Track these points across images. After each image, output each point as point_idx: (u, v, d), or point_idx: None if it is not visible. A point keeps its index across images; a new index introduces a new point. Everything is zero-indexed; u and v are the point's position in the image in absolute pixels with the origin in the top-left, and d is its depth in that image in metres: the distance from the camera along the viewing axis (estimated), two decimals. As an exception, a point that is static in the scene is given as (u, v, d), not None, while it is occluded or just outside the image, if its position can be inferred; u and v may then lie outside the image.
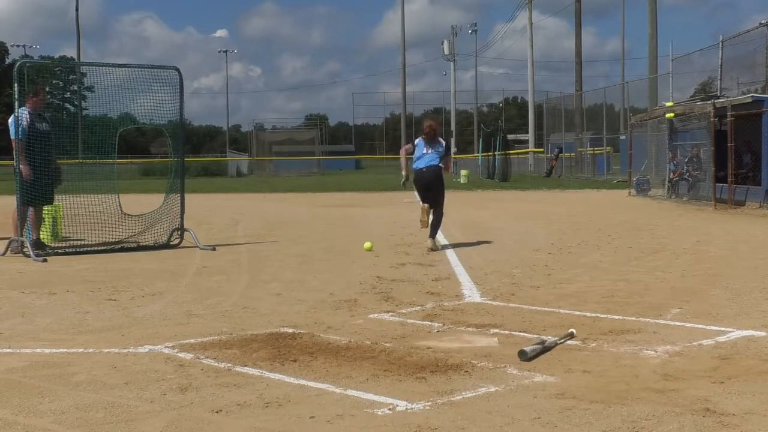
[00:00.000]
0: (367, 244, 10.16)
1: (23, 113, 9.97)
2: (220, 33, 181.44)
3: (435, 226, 10.69)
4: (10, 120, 10.05)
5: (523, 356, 4.72)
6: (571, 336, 5.25)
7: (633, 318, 5.96)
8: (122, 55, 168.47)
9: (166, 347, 5.13)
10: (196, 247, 10.68)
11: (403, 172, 11.22)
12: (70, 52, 64.98)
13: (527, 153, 51.91)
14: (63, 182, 10.65)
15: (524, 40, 54.73)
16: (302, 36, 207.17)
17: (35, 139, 10.02)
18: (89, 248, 10.44)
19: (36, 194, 10.12)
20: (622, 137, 34.27)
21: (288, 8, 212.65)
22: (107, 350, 5.08)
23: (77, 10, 62.46)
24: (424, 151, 10.57)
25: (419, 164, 10.58)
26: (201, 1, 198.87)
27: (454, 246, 10.88)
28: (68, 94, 74.22)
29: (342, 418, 3.72)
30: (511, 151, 42.58)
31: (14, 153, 10.00)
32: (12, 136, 9.96)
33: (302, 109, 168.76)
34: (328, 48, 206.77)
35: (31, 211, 10.18)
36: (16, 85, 9.99)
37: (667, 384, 4.22)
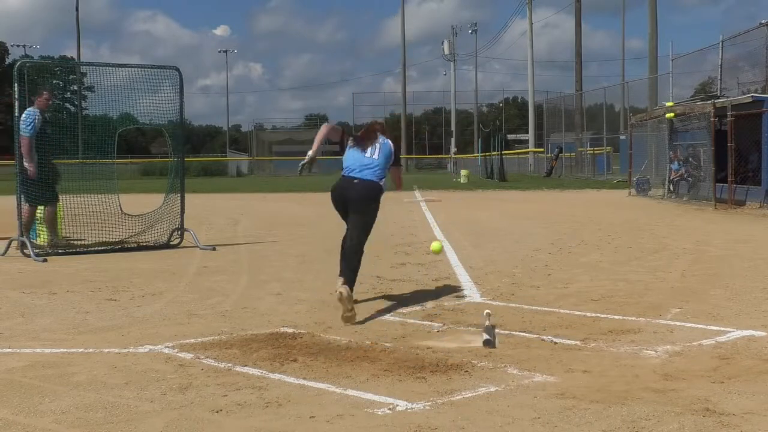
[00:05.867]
0: (436, 246, 7.13)
1: (35, 113, 10.08)
2: (228, 32, 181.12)
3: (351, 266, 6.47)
4: (23, 115, 10.06)
5: (490, 344, 5.03)
6: (489, 315, 5.38)
7: (633, 318, 5.95)
8: (131, 53, 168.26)
9: (166, 347, 5.13)
10: (196, 247, 10.68)
11: (310, 152, 6.54)
12: (82, 50, 64.79)
13: (527, 153, 51.92)
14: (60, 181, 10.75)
15: (525, 40, 54.74)
16: (309, 34, 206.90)
17: (43, 139, 10.17)
18: (89, 248, 10.45)
19: (49, 193, 10.31)
20: (622, 137, 34.27)
21: (296, 6, 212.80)
22: (107, 350, 5.08)
23: (77, 9, 62.52)
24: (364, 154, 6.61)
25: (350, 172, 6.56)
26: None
27: (455, 246, 10.88)
28: (68, 94, 74.22)
29: (342, 418, 3.72)
30: (506, 152, 42.61)
31: (17, 151, 10.03)
32: (24, 133, 9.99)
33: (306, 108, 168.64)
34: (333, 47, 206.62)
35: (46, 210, 10.37)
36: (16, 85, 10.00)
37: (667, 384, 4.22)
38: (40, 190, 10.20)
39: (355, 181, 6.49)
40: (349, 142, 6.76)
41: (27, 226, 10.20)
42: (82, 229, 10.69)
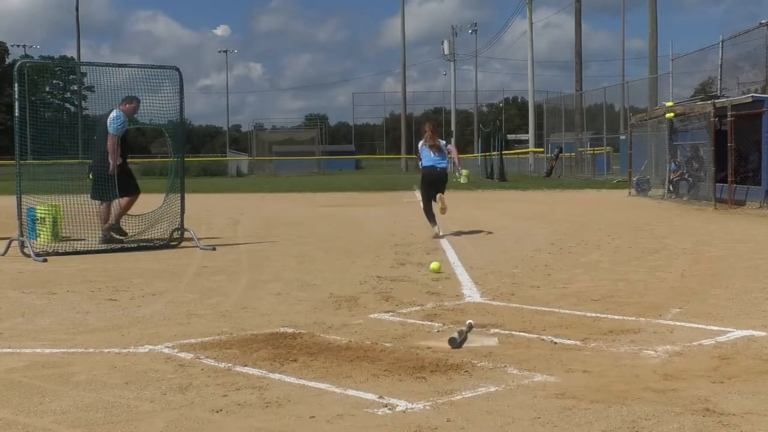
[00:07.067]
0: (435, 265, 8.41)
1: (124, 117, 10.76)
2: (228, 32, 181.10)
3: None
4: (113, 115, 10.68)
5: (454, 343, 5.02)
6: (471, 327, 5.41)
7: (633, 318, 5.95)
8: (132, 53, 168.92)
9: (166, 347, 5.13)
10: (196, 247, 10.68)
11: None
12: (83, 50, 64.60)
13: (527, 153, 51.90)
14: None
15: (525, 40, 54.73)
16: (309, 34, 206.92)
17: (123, 141, 10.83)
18: (89, 248, 10.45)
19: (112, 189, 10.76)
20: (622, 137, 34.25)
21: (296, 6, 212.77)
22: (107, 350, 5.08)
23: (77, 9, 62.49)
24: (431, 154, 12.17)
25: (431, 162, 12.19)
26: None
27: (455, 246, 10.88)
28: (68, 94, 74.22)
29: (342, 418, 3.72)
30: (506, 152, 42.57)
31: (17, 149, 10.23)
32: (113, 132, 10.65)
33: (306, 108, 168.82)
34: (333, 47, 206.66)
35: (105, 204, 10.86)
36: (16, 85, 10.00)
37: (667, 384, 4.22)
38: (107, 187, 10.66)
39: (439, 169, 12.17)
40: (421, 143, 12.36)
41: (111, 218, 10.76)
42: (82, 229, 10.70)
